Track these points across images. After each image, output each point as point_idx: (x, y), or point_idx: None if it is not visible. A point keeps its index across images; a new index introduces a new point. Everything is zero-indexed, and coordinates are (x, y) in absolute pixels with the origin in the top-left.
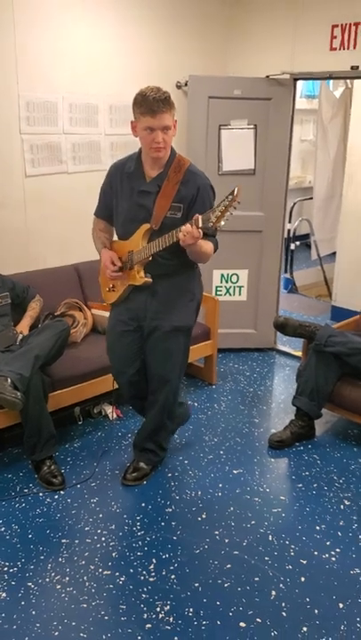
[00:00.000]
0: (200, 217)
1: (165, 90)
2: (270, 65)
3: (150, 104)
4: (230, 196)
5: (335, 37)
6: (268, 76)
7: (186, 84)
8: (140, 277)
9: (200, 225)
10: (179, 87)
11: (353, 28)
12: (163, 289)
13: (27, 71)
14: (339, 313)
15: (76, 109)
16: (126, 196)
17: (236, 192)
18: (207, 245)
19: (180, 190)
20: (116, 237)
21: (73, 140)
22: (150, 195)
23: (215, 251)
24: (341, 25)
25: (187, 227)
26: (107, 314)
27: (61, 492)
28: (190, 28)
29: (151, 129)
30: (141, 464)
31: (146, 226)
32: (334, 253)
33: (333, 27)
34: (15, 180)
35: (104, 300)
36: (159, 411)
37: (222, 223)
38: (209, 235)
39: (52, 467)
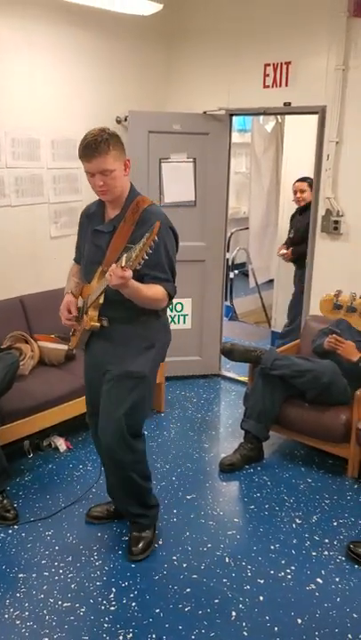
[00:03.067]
0: (125, 256)
1: (111, 132)
2: (207, 101)
3: (84, 149)
4: (147, 234)
5: (268, 75)
6: (205, 112)
7: (126, 119)
8: (89, 322)
9: (123, 264)
10: (119, 122)
11: (284, 66)
12: (119, 334)
13: None
14: (278, 338)
15: (18, 144)
16: (88, 237)
17: (154, 229)
18: (152, 290)
19: (134, 231)
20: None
21: (16, 174)
22: (104, 235)
23: (171, 296)
24: (273, 64)
25: (112, 266)
26: (53, 345)
27: (15, 527)
28: (130, 66)
29: (90, 173)
30: (141, 532)
31: (99, 268)
32: (271, 281)
33: (266, 65)
34: None
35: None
36: (114, 470)
37: (141, 262)
38: (162, 279)
39: (5, 501)
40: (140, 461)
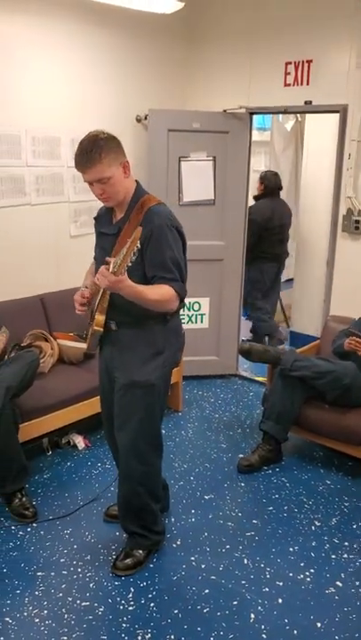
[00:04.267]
0: (113, 260)
1: (103, 136)
2: (227, 100)
3: (76, 161)
4: (129, 240)
5: (289, 74)
6: (225, 110)
7: (146, 118)
8: (95, 326)
9: (111, 269)
10: (138, 120)
11: (305, 65)
12: (126, 339)
13: None
14: (297, 338)
15: (39, 142)
16: (97, 239)
17: (135, 234)
18: (157, 290)
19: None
20: None
21: (36, 173)
22: (110, 237)
23: (181, 297)
24: (295, 62)
25: (101, 268)
26: (72, 344)
27: (34, 525)
28: (150, 65)
29: (89, 182)
30: (133, 550)
31: None
32: (289, 280)
33: (287, 64)
34: None
35: None
36: (124, 479)
37: (127, 267)
38: (168, 279)
39: (24, 499)
40: (151, 477)
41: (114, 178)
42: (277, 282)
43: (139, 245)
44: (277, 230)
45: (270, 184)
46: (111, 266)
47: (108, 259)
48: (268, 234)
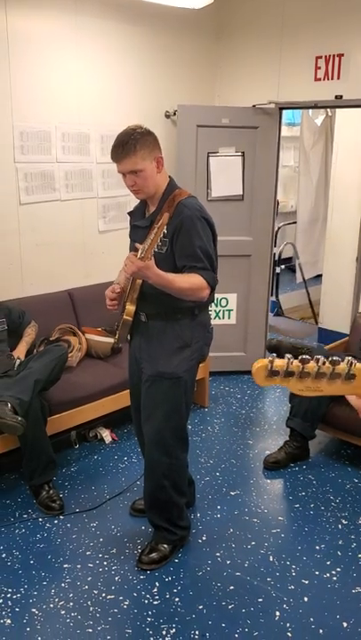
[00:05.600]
0: (141, 247)
1: (141, 130)
2: (257, 95)
3: (112, 151)
4: (156, 226)
5: (319, 68)
6: (254, 106)
7: (175, 114)
8: (125, 315)
9: (138, 255)
10: (167, 116)
11: (336, 59)
12: (154, 330)
13: (21, 102)
14: (325, 335)
15: (68, 138)
16: (131, 232)
17: (162, 221)
18: (186, 279)
19: (169, 224)
20: None
21: (66, 169)
22: (142, 230)
23: (212, 287)
24: (325, 56)
25: (129, 254)
26: (100, 338)
27: (61, 517)
28: (179, 60)
29: (122, 174)
30: (159, 544)
31: None
32: (317, 276)
33: (317, 58)
34: (10, 208)
35: None
36: (149, 472)
37: (152, 253)
38: (198, 268)
39: (51, 491)
40: (176, 470)
41: (146, 171)
42: None
43: (166, 231)
44: None
45: None
46: (139, 252)
47: (137, 244)
48: None
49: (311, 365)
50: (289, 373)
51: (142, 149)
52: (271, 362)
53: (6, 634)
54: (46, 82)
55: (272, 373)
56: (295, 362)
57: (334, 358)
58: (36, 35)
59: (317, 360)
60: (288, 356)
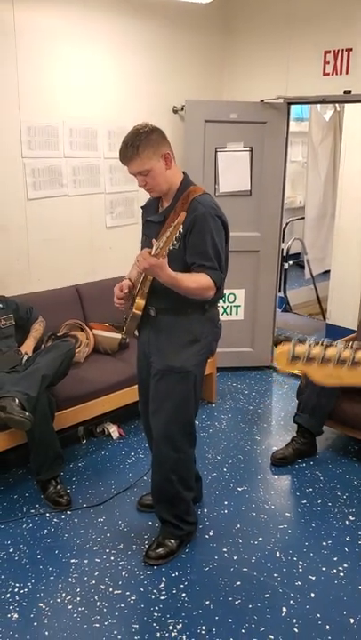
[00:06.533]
0: (155, 244)
1: (145, 130)
2: (265, 90)
3: (119, 155)
4: (173, 224)
5: (328, 63)
6: (262, 101)
7: (182, 109)
8: (134, 309)
9: (153, 252)
10: (175, 111)
11: (345, 53)
12: (163, 325)
13: (28, 97)
14: (333, 331)
15: (76, 134)
16: (143, 227)
17: (179, 219)
18: (194, 279)
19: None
20: None
21: (73, 164)
22: (155, 225)
23: (218, 286)
24: (334, 51)
25: (142, 251)
26: (107, 334)
27: (68, 512)
28: (187, 55)
29: (132, 174)
30: (166, 539)
31: None
32: (325, 272)
33: (326, 53)
34: (17, 204)
35: None
36: (156, 466)
37: (168, 250)
38: (207, 267)
39: (59, 486)
40: (183, 464)
41: (154, 170)
42: None
43: (181, 230)
44: None
45: None
46: (153, 248)
47: (153, 240)
48: None
49: (332, 351)
50: (310, 359)
51: (146, 150)
52: (294, 346)
53: (14, 628)
54: (54, 77)
55: (294, 358)
56: (317, 347)
57: (355, 345)
58: (44, 29)
59: (338, 347)
60: (310, 341)
